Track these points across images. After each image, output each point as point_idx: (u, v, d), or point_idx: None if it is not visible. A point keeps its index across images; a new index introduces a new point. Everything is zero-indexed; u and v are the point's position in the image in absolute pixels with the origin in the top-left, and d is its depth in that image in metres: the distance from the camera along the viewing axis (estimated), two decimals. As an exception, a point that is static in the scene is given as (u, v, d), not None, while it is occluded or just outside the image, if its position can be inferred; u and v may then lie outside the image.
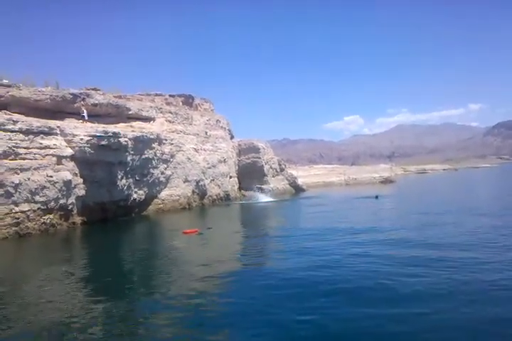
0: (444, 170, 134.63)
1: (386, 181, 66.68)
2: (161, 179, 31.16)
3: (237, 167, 45.88)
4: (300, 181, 55.91)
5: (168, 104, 37.80)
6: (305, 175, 66.67)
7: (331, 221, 22.14)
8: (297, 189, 53.44)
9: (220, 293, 9.75)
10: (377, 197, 35.72)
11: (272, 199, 39.69)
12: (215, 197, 38.78)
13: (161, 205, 31.27)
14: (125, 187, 27.01)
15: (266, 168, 47.94)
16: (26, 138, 21.07)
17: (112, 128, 26.10)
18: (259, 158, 46.94)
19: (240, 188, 46.01)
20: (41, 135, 21.86)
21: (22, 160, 20.55)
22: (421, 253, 12.56)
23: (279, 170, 52.00)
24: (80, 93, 26.77)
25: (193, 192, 34.87)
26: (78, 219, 23.42)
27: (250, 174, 46.38)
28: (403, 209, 27.47)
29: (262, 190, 43.82)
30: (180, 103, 40.32)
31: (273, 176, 50.31)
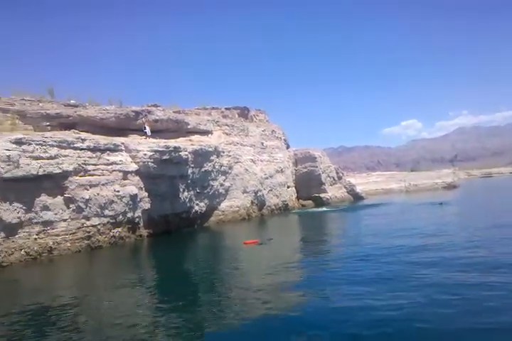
0: (511, 173, 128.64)
1: (449, 186, 64.60)
2: (221, 191, 31.82)
3: (294, 176, 45.99)
4: (359, 189, 55.18)
5: (224, 116, 38.69)
6: (363, 182, 65.73)
7: (394, 230, 21.58)
8: (356, 197, 52.80)
9: (286, 304, 9.83)
10: (441, 203, 34.71)
11: (331, 209, 39.51)
12: (273, 207, 39.06)
13: (222, 216, 31.89)
14: (187, 200, 27.80)
15: (323, 176, 47.74)
16: (94, 155, 22.21)
17: (172, 142, 27.03)
18: (316, 166, 46.81)
19: (297, 197, 46.07)
20: (107, 152, 22.99)
21: (91, 177, 21.66)
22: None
23: (336, 178, 51.61)
24: (142, 110, 27.97)
25: (252, 202, 35.30)
26: (144, 232, 24.34)
27: (308, 183, 46.33)
28: (472, 217, 25.55)
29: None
30: (236, 115, 41.10)
31: (331, 184, 49.99)
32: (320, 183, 47.27)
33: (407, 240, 17.68)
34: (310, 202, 46.72)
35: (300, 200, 46.29)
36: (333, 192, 49.33)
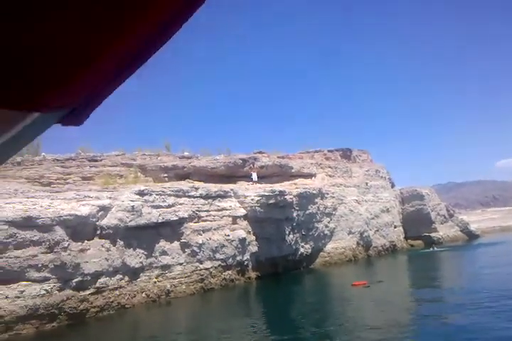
0: None
1: None
2: (326, 232, 32.08)
3: (401, 216, 44.83)
4: (473, 227, 52.11)
5: (327, 159, 39.34)
6: (478, 219, 61.96)
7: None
8: (470, 235, 49.79)
9: None
10: None
11: (443, 249, 37.80)
12: (380, 248, 38.24)
13: (327, 258, 31.96)
14: (293, 242, 28.44)
15: (433, 214, 45.92)
16: (206, 202, 23.91)
17: (277, 187, 28.11)
18: (424, 204, 45.23)
19: (406, 238, 44.62)
20: (218, 198, 24.61)
21: (204, 222, 23.28)
22: None
23: (447, 216, 49.29)
24: (248, 158, 29.62)
25: (358, 243, 34.98)
26: (253, 274, 25.27)
27: (416, 222, 44.76)
28: None
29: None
30: (339, 157, 41.54)
31: (441, 223, 47.80)
32: (430, 222, 45.43)
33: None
34: (420, 242, 44.99)
35: (409, 240, 44.77)
36: (444, 231, 47.07)
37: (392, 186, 46.33)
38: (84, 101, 1.05)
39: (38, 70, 0.86)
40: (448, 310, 13.99)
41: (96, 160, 25.00)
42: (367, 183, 39.44)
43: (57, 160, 23.60)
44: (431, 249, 36.98)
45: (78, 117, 1.11)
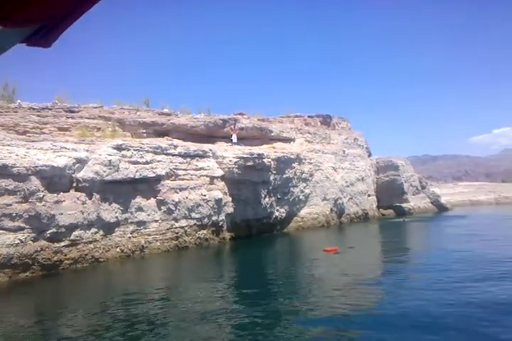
0: None
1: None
2: (301, 197, 32.41)
3: (375, 185, 45.54)
4: (443, 199, 53.41)
5: (307, 124, 39.29)
6: (449, 193, 63.46)
7: (484, 246, 20.66)
8: (440, 208, 51.17)
9: (362, 313, 10.03)
10: None
11: (413, 219, 38.78)
12: (353, 215, 38.98)
13: (301, 223, 32.45)
14: (268, 206, 28.68)
15: (406, 185, 46.80)
16: (184, 160, 23.71)
17: (256, 149, 28.04)
18: (399, 175, 45.99)
19: (378, 207, 45.54)
20: (197, 158, 24.43)
21: (181, 181, 23.15)
22: None
23: (420, 187, 50.35)
24: (229, 118, 29.31)
25: (332, 210, 35.54)
26: (227, 235, 25.48)
27: (389, 192, 45.61)
28: None
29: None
30: (319, 123, 41.50)
31: (413, 194, 48.84)
32: (402, 193, 46.39)
33: (496, 252, 17.24)
34: (391, 211, 46.05)
35: (380, 209, 45.74)
36: (415, 202, 48.20)
37: (369, 155, 46.80)
38: (53, 20, 0.94)
39: None
40: (410, 272, 14.56)
41: (73, 111, 24.30)
42: (344, 151, 39.72)
43: (33, 108, 22.84)
44: (401, 220, 37.84)
45: (45, 37, 1.01)
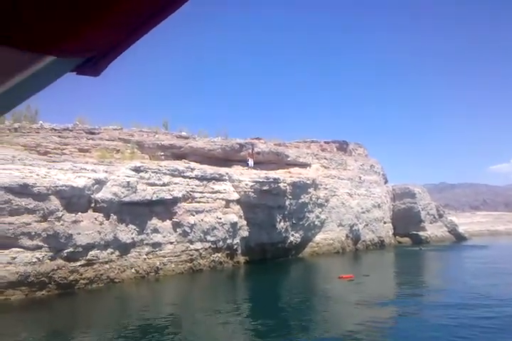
0: None
1: None
2: (316, 223, 32.25)
3: (391, 212, 45.16)
4: (461, 229, 52.59)
5: (323, 150, 39.41)
6: (466, 222, 62.35)
7: (497, 275, 20.41)
8: (458, 237, 50.33)
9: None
10: None
11: (430, 248, 38.22)
12: (368, 242, 38.56)
13: (316, 248, 32.18)
14: (283, 230, 28.59)
15: (422, 213, 46.32)
16: (201, 183, 23.91)
17: (272, 174, 28.16)
18: (415, 203, 45.62)
19: (394, 234, 45.02)
20: (213, 181, 24.62)
21: (197, 204, 23.30)
22: None
23: (437, 216, 49.73)
24: (246, 143, 29.61)
25: (347, 236, 35.24)
26: (242, 259, 25.40)
27: (406, 220, 45.13)
28: None
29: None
30: (335, 149, 41.63)
31: (430, 223, 48.23)
32: (419, 220, 45.87)
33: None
34: (407, 239, 45.47)
35: (397, 237, 45.19)
36: (432, 230, 47.53)
37: (385, 182, 46.57)
38: (103, 50, 1.01)
39: (59, 12, 0.82)
40: (426, 308, 14.13)
41: (93, 133, 24.84)
42: (360, 177, 39.61)
43: (55, 129, 23.42)
44: (418, 248, 37.32)
45: (95, 66, 1.07)
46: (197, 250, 22.58)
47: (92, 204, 18.54)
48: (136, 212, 20.42)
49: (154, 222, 21.20)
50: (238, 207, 25.45)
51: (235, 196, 25.41)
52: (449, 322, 11.39)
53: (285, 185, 27.92)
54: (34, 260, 15.57)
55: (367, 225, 38.60)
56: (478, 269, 23.93)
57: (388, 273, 24.07)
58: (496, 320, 11.53)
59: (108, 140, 24.86)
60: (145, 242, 20.60)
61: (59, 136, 22.99)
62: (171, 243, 21.63)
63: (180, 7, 0.92)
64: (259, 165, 29.58)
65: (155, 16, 0.93)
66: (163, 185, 21.73)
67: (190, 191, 23.12)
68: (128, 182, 19.93)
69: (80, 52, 0.98)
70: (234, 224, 24.35)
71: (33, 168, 17.02)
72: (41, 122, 23.94)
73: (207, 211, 23.43)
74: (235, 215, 24.69)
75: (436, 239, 46.50)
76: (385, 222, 42.51)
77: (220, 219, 23.79)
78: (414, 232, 45.51)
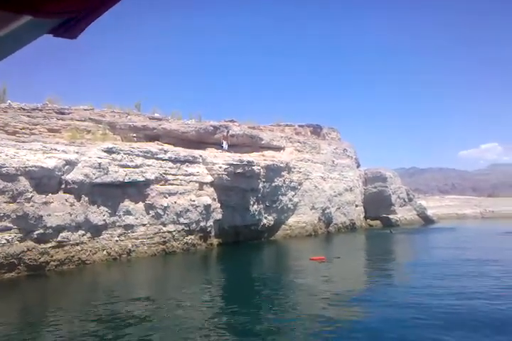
0: None
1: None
2: (289, 206, 32.52)
3: (363, 196, 45.87)
4: (430, 212, 53.88)
5: (297, 133, 39.54)
6: (435, 205, 63.86)
7: (462, 257, 21.03)
8: (426, 220, 51.62)
9: (345, 319, 10.16)
10: None
11: (399, 230, 39.06)
12: (340, 225, 39.17)
13: (288, 231, 32.52)
14: (256, 213, 28.74)
15: (393, 197, 47.20)
16: (174, 165, 23.72)
17: (246, 157, 28.15)
18: (386, 187, 46.42)
19: (365, 217, 45.84)
20: (186, 163, 24.46)
21: (170, 186, 23.14)
22: None
23: (407, 199, 50.77)
24: (220, 125, 29.46)
25: (319, 219, 35.69)
26: (215, 241, 25.48)
27: (377, 203, 45.96)
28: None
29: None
30: (309, 133, 41.80)
31: (400, 206, 49.24)
32: (389, 204, 46.79)
33: (478, 268, 17.36)
34: (378, 222, 46.37)
35: (368, 220, 46.04)
36: (402, 213, 48.58)
37: (358, 166, 47.13)
38: (80, 13, 1.00)
39: None
40: (393, 287, 14.39)
41: (63, 113, 24.27)
42: (333, 161, 39.99)
43: (24, 109, 22.79)
44: (388, 231, 38.09)
45: (72, 29, 1.06)
46: (170, 232, 22.51)
47: (63, 186, 18.19)
48: (108, 193, 20.17)
49: (127, 203, 20.98)
50: (212, 189, 25.41)
51: (209, 178, 25.34)
52: (414, 301, 11.66)
53: (259, 168, 27.96)
54: (3, 241, 15.25)
55: (339, 208, 39.14)
56: (444, 249, 25.05)
57: (359, 255, 24.48)
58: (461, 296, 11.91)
59: (79, 120, 24.32)
60: (117, 224, 20.40)
61: (28, 116, 22.37)
62: (144, 225, 21.49)
63: None
64: (233, 147, 29.51)
65: None
66: (136, 166, 21.48)
67: (164, 173, 22.93)
68: (99, 163, 19.62)
69: (56, 14, 0.97)
70: (207, 207, 24.33)
71: (1, 147, 16.57)
72: (9, 101, 23.29)
73: (180, 193, 23.32)
74: (208, 198, 24.66)
75: (405, 222, 47.58)
76: (356, 205, 43.18)
77: (194, 201, 23.72)
78: (385, 215, 46.43)
